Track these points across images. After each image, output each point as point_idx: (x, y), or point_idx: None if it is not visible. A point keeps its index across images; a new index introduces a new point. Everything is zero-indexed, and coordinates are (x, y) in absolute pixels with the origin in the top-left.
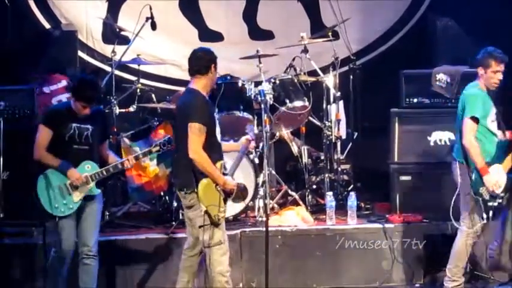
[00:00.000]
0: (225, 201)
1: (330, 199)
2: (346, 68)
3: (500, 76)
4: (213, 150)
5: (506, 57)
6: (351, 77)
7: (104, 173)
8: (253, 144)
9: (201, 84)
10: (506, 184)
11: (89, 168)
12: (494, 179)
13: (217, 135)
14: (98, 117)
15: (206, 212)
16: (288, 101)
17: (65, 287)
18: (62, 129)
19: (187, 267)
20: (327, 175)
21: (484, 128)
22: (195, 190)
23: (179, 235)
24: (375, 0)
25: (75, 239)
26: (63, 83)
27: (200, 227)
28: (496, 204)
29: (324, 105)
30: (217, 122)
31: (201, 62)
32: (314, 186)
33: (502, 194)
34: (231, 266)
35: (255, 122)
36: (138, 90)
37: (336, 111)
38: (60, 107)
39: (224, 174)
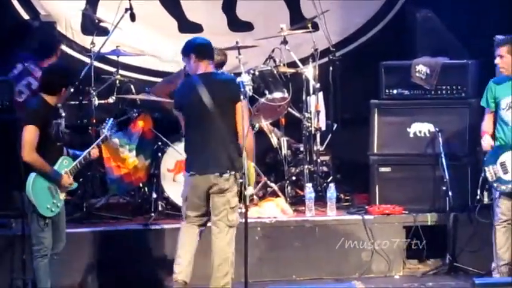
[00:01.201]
0: None
1: (309, 191)
2: (325, 60)
3: (496, 60)
4: None
5: (501, 39)
6: (331, 68)
7: (78, 166)
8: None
9: None
10: None
11: (66, 163)
12: (489, 142)
13: None
14: (59, 110)
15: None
16: (267, 92)
17: (49, 280)
18: (47, 127)
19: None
20: (306, 166)
21: (498, 116)
22: (240, 170)
23: (158, 226)
24: None
25: None
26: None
27: (233, 207)
28: (503, 188)
29: (304, 97)
30: None
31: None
32: (293, 178)
33: (510, 180)
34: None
35: None
36: (117, 81)
37: (316, 102)
38: (38, 105)
39: None
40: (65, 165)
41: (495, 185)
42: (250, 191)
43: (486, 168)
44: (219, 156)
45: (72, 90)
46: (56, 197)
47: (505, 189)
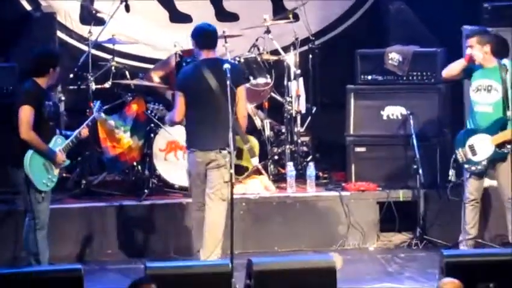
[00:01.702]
0: None
1: (290, 169)
2: (305, 48)
3: (467, 51)
4: None
5: (470, 30)
6: (310, 56)
7: (71, 144)
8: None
9: None
10: (488, 155)
11: (59, 142)
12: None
13: None
14: (50, 92)
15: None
16: (251, 78)
17: (47, 251)
18: (42, 108)
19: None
20: (287, 147)
21: (470, 98)
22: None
23: (150, 201)
24: None
25: None
26: None
27: (226, 182)
28: (473, 168)
29: (285, 82)
30: None
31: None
32: (276, 157)
33: (479, 161)
34: (198, 230)
35: None
36: (113, 67)
37: (296, 87)
38: (31, 87)
39: None
40: (58, 144)
41: (466, 166)
42: (255, 161)
43: (456, 151)
44: (220, 134)
45: (58, 70)
46: (50, 173)
47: (475, 170)
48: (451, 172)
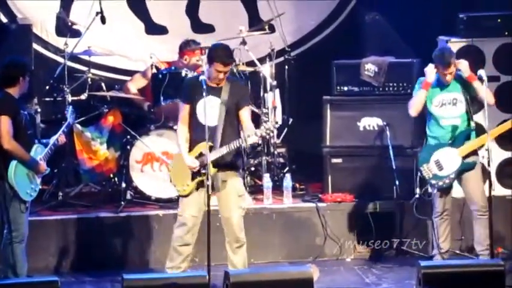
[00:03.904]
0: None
1: (267, 180)
2: (281, 59)
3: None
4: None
5: (451, 52)
6: (286, 67)
7: (49, 152)
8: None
9: None
10: (456, 167)
11: (39, 150)
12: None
13: (198, 115)
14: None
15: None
16: None
17: (26, 264)
18: (18, 117)
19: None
20: (264, 158)
21: (430, 114)
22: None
23: (127, 213)
24: None
25: None
26: None
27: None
28: (440, 183)
29: (261, 93)
30: (200, 103)
31: None
32: (252, 169)
33: (446, 175)
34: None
35: None
36: (89, 79)
37: (273, 98)
38: (4, 97)
39: None
40: (38, 152)
41: (432, 182)
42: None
43: (421, 168)
44: None
45: (28, 79)
46: (33, 182)
47: (442, 185)
48: (417, 190)
